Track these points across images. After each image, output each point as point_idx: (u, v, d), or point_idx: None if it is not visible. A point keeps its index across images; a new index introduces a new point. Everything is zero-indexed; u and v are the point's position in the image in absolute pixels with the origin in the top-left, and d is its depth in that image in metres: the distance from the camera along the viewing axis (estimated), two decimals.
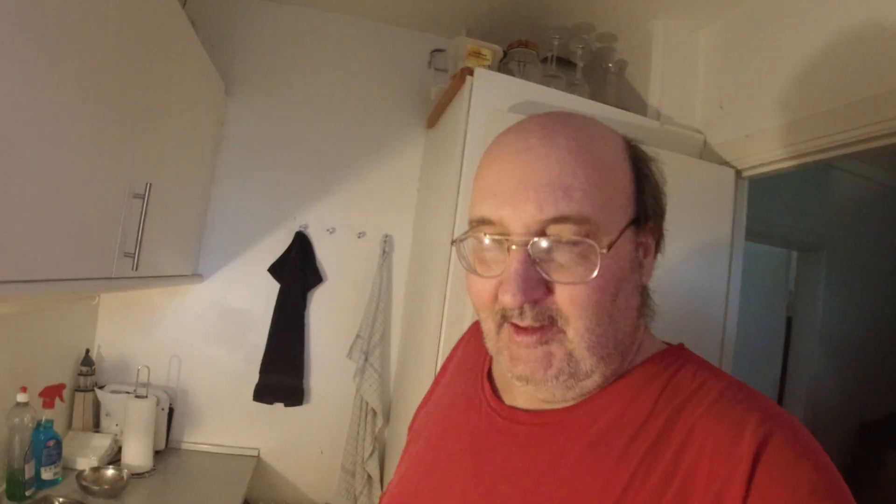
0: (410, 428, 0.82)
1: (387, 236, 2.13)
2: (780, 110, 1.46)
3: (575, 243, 0.52)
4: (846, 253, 3.07)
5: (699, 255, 1.52)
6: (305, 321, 2.07)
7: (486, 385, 0.69)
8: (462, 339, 0.87)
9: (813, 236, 2.97)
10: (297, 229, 2.07)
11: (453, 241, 0.60)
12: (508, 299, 0.52)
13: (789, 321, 3.26)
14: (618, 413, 0.55)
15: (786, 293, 3.62)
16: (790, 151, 1.43)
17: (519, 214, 0.52)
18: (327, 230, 2.10)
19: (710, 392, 0.53)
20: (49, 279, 0.98)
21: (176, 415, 1.96)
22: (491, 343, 0.60)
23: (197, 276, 1.99)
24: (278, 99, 2.11)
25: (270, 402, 2.02)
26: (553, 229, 0.52)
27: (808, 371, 2.96)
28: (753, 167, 1.57)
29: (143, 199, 1.29)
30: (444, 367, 0.87)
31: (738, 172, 1.61)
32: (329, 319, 2.10)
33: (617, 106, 1.68)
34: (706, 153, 1.69)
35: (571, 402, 0.59)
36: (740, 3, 1.65)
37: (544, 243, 0.52)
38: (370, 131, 2.16)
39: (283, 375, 2.02)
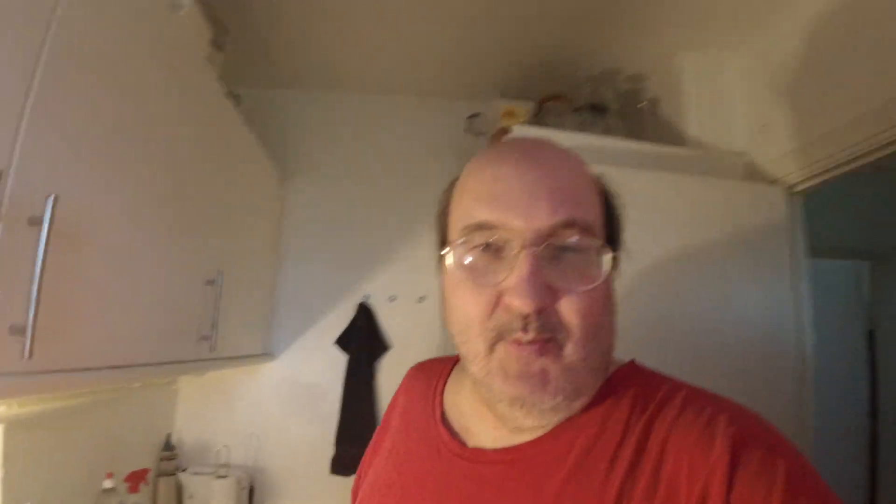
0: (354, 493, 0.77)
1: None
2: (825, 118, 1.43)
3: (581, 249, 0.52)
4: None
5: (757, 283, 1.46)
6: (375, 389, 2.09)
7: (442, 430, 0.65)
8: (399, 389, 0.82)
9: (883, 243, 2.85)
10: (359, 300, 2.13)
11: (442, 253, 0.57)
12: (522, 303, 0.49)
13: (871, 334, 3.09)
14: (592, 438, 0.53)
15: (862, 305, 3.44)
16: (842, 157, 1.38)
17: (530, 218, 0.51)
18: (388, 298, 2.15)
19: (674, 402, 0.53)
20: (136, 364, 1.06)
21: (256, 493, 1.99)
22: (478, 366, 0.54)
23: (268, 355, 2.06)
24: (330, 179, 2.23)
25: (347, 474, 2.02)
26: (562, 234, 0.51)
27: None
28: (805, 180, 1.52)
29: (217, 284, 1.39)
30: (384, 423, 0.81)
31: (790, 188, 1.57)
32: (398, 386, 2.10)
33: (655, 142, 1.69)
34: (753, 174, 1.66)
35: (540, 433, 0.56)
36: (761, 27, 1.65)
37: (555, 247, 0.51)
38: (418, 198, 2.23)
39: (358, 446, 2.01)
